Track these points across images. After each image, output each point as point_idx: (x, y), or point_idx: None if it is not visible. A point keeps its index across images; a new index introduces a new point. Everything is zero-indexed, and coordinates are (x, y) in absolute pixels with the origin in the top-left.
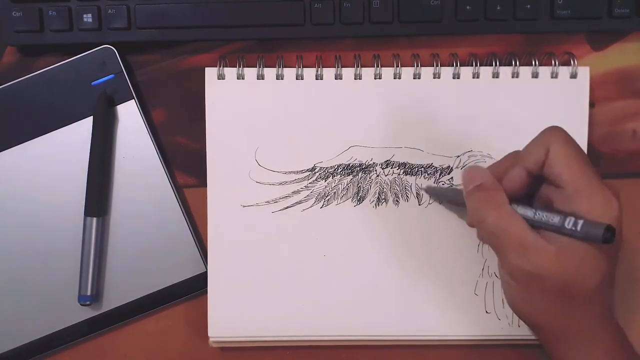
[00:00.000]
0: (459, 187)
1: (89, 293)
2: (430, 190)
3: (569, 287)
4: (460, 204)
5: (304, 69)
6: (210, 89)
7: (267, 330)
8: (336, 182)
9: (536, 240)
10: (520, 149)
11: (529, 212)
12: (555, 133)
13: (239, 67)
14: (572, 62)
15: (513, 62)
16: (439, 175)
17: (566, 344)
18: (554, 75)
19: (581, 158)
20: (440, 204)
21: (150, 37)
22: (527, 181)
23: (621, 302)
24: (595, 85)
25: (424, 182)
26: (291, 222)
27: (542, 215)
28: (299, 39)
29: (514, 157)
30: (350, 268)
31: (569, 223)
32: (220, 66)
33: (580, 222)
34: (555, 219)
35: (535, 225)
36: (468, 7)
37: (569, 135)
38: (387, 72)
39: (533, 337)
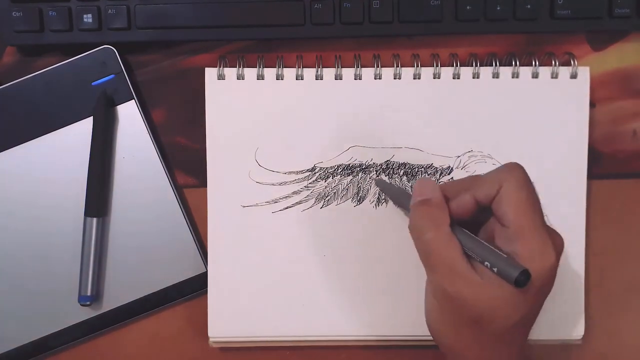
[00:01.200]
0: (408, 191)
1: (89, 293)
2: (380, 184)
3: (483, 321)
4: (404, 209)
5: (304, 69)
6: (210, 89)
7: (267, 330)
8: (336, 182)
9: (464, 267)
10: (520, 149)
11: (467, 240)
12: (513, 172)
13: (239, 67)
14: (572, 62)
15: (513, 62)
16: (439, 176)
17: None
18: (554, 76)
19: (531, 202)
20: (387, 201)
21: (150, 37)
22: (475, 209)
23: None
24: (595, 85)
25: (379, 175)
26: (291, 222)
27: (476, 247)
28: (299, 39)
29: (469, 182)
30: (350, 268)
31: (488, 261)
32: (220, 66)
33: (498, 261)
34: (480, 254)
35: (469, 254)
36: (468, 7)
37: (527, 177)
38: (387, 72)
39: (533, 338)
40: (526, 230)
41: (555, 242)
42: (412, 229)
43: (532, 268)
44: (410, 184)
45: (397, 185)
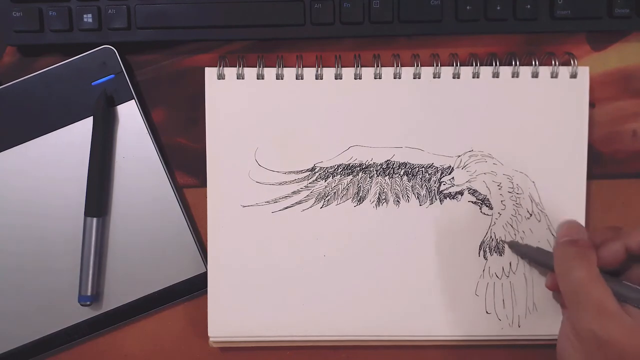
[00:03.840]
0: (544, 249)
1: (89, 293)
2: (513, 246)
3: None
4: (542, 265)
5: (304, 69)
6: (210, 89)
7: (267, 330)
8: (336, 182)
9: (616, 308)
10: (520, 148)
11: (616, 283)
12: None
13: (239, 67)
14: (572, 62)
15: (513, 62)
16: (440, 175)
17: None
18: (554, 75)
19: None
20: (523, 259)
21: (150, 37)
22: (623, 258)
23: None
24: (595, 85)
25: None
26: (291, 222)
27: (629, 291)
28: (299, 39)
29: (613, 230)
30: (350, 268)
31: None
32: (220, 66)
33: None
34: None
35: (619, 299)
36: (468, 7)
37: None
38: (387, 72)
39: (533, 338)
40: None
41: None
42: (559, 265)
43: None
44: (410, 184)
45: (530, 245)
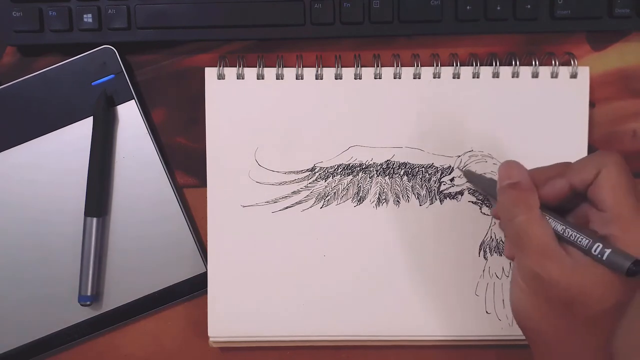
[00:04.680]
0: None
1: (89, 293)
2: (467, 175)
3: (575, 304)
4: (492, 196)
5: (304, 69)
6: (210, 89)
7: (267, 330)
8: (336, 182)
9: (557, 249)
10: (520, 148)
11: (558, 225)
12: (611, 158)
13: (239, 67)
14: (572, 62)
15: (513, 62)
16: (440, 175)
17: (551, 357)
18: (554, 75)
19: (631, 188)
20: (475, 190)
21: (150, 37)
22: (567, 195)
23: None
24: (595, 85)
25: (467, 166)
26: (291, 222)
27: (572, 232)
28: (299, 39)
29: (561, 167)
30: (350, 268)
31: (596, 248)
32: (220, 66)
33: (608, 250)
34: (584, 240)
35: (561, 238)
36: (468, 7)
37: (625, 163)
38: (387, 72)
39: None
40: (625, 215)
41: None
42: (502, 211)
43: (635, 254)
44: (410, 184)
45: (484, 175)
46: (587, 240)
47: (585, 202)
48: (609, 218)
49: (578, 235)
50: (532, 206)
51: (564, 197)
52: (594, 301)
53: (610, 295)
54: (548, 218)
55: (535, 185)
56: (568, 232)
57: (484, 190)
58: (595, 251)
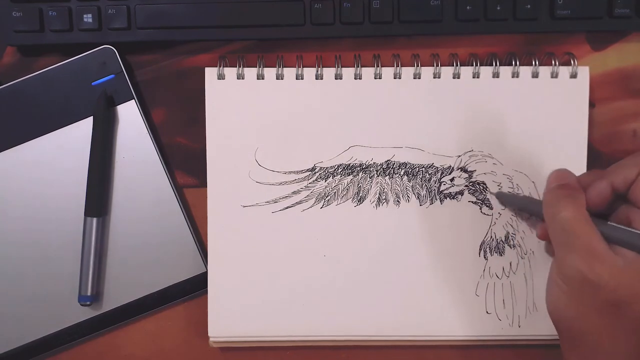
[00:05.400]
0: (533, 197)
1: (89, 293)
2: (500, 197)
3: (622, 305)
4: (531, 212)
5: (304, 69)
6: (210, 89)
7: (267, 330)
8: (336, 182)
9: (605, 249)
10: (520, 148)
11: (604, 224)
12: None
13: (239, 67)
14: (572, 62)
15: (513, 62)
16: (440, 175)
17: (594, 357)
18: (554, 75)
19: None
20: (511, 210)
21: (150, 37)
22: (609, 197)
23: None
24: (595, 85)
25: (494, 189)
26: (291, 222)
27: (621, 232)
28: (299, 39)
29: (600, 173)
30: (350, 268)
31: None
32: (220, 66)
33: None
34: (628, 237)
35: (608, 239)
36: (468, 7)
37: None
38: (387, 72)
39: (533, 338)
40: None
41: None
42: (548, 207)
43: None
44: (411, 184)
45: (518, 194)
46: (631, 239)
47: (625, 204)
48: None
49: (629, 234)
50: (580, 203)
51: (606, 200)
52: None
53: None
54: (594, 220)
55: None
56: (617, 232)
57: (520, 208)
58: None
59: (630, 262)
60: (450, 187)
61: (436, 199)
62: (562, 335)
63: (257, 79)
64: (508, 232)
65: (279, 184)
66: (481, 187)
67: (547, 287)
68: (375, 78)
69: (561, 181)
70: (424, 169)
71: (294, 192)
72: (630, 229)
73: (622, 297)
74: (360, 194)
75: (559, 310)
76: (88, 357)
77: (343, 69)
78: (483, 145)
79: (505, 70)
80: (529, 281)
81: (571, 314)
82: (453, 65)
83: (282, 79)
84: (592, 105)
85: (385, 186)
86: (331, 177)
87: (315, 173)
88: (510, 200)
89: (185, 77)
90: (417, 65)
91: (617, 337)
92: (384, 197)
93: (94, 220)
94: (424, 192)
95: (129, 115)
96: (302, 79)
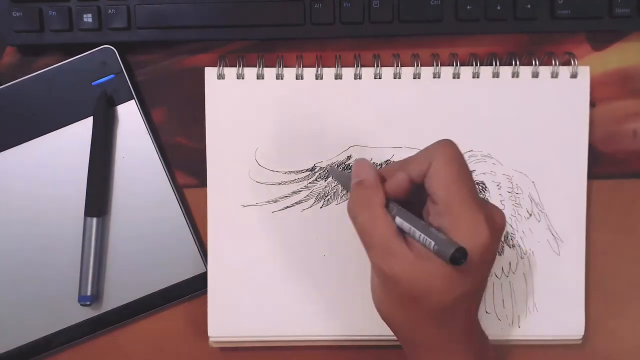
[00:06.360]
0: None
1: (89, 293)
2: (331, 172)
3: (420, 298)
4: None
5: (304, 69)
6: (210, 89)
7: (267, 330)
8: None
9: (398, 245)
10: (520, 148)
11: (405, 219)
12: (441, 149)
13: (239, 67)
14: (572, 62)
15: (513, 62)
16: None
17: (418, 352)
18: (554, 75)
19: (460, 177)
20: (339, 186)
21: (150, 37)
22: (410, 188)
23: (618, 303)
24: (595, 85)
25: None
26: (291, 222)
27: (409, 226)
28: (299, 39)
29: (404, 161)
30: (350, 268)
31: (425, 239)
32: (220, 66)
33: (435, 239)
34: (417, 234)
35: (407, 234)
36: (468, 7)
37: (457, 152)
38: (387, 72)
39: (533, 338)
40: (454, 206)
41: (493, 217)
42: (349, 212)
43: (465, 244)
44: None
45: (345, 172)
46: (420, 234)
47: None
48: (440, 210)
49: (414, 230)
50: (375, 204)
51: (407, 191)
52: (436, 294)
53: (451, 287)
54: (394, 214)
55: (383, 181)
56: (407, 226)
57: (345, 188)
58: (424, 242)
59: (421, 257)
60: None
61: None
62: (390, 329)
63: (257, 79)
64: (507, 232)
65: (279, 184)
66: (481, 187)
67: (370, 282)
68: (375, 78)
69: (359, 176)
70: None
71: (294, 192)
72: (416, 223)
73: (418, 291)
74: None
75: (377, 304)
76: (88, 357)
77: (343, 69)
78: (482, 145)
79: (505, 70)
80: (528, 281)
81: (385, 308)
82: (453, 65)
83: (282, 79)
84: (592, 105)
85: None
86: (331, 177)
87: (315, 173)
88: (339, 177)
89: (185, 77)
90: (417, 65)
91: (425, 330)
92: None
93: (94, 220)
94: None
95: (129, 115)
96: (302, 79)
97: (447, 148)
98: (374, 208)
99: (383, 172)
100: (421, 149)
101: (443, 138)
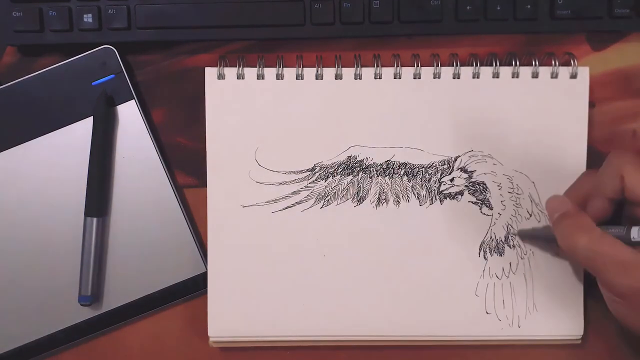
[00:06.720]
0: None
1: (89, 293)
2: (522, 234)
3: None
4: (552, 240)
5: (304, 69)
6: (210, 89)
7: (267, 330)
8: (336, 182)
9: (634, 255)
10: (520, 149)
11: (620, 231)
12: (623, 158)
13: (239, 67)
14: (572, 62)
15: (513, 62)
16: (440, 176)
17: None
18: (554, 75)
19: None
20: (535, 245)
21: (150, 37)
22: (611, 208)
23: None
24: (595, 85)
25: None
26: (291, 222)
27: (635, 231)
28: (299, 39)
29: (589, 181)
30: (350, 268)
31: None
32: (220, 66)
33: None
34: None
35: (629, 243)
36: (468, 7)
37: (633, 154)
38: (387, 72)
39: (533, 338)
40: None
41: None
42: (564, 243)
43: None
44: (410, 184)
45: (537, 227)
46: None
47: (627, 203)
48: None
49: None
50: (590, 227)
51: (609, 213)
52: None
53: None
54: (609, 230)
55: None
56: (633, 233)
57: (546, 239)
58: None
59: None
60: (450, 187)
61: (436, 199)
62: None
63: (257, 79)
64: (508, 233)
65: (279, 184)
66: (481, 188)
67: (611, 307)
68: (375, 78)
69: (560, 210)
70: (423, 169)
71: (294, 192)
72: (632, 227)
73: None
74: (360, 194)
75: (630, 323)
76: (88, 357)
77: (343, 69)
78: (483, 146)
79: (505, 71)
80: (528, 281)
81: (634, 319)
82: (453, 66)
83: (282, 79)
84: (592, 105)
85: (385, 186)
86: (331, 177)
87: (315, 173)
88: (533, 234)
89: (185, 77)
90: (417, 65)
91: None
92: (383, 197)
93: (94, 220)
94: (424, 192)
95: (129, 115)
96: (302, 79)
97: (627, 156)
98: (591, 230)
99: (572, 197)
100: (422, 149)
101: (611, 152)
